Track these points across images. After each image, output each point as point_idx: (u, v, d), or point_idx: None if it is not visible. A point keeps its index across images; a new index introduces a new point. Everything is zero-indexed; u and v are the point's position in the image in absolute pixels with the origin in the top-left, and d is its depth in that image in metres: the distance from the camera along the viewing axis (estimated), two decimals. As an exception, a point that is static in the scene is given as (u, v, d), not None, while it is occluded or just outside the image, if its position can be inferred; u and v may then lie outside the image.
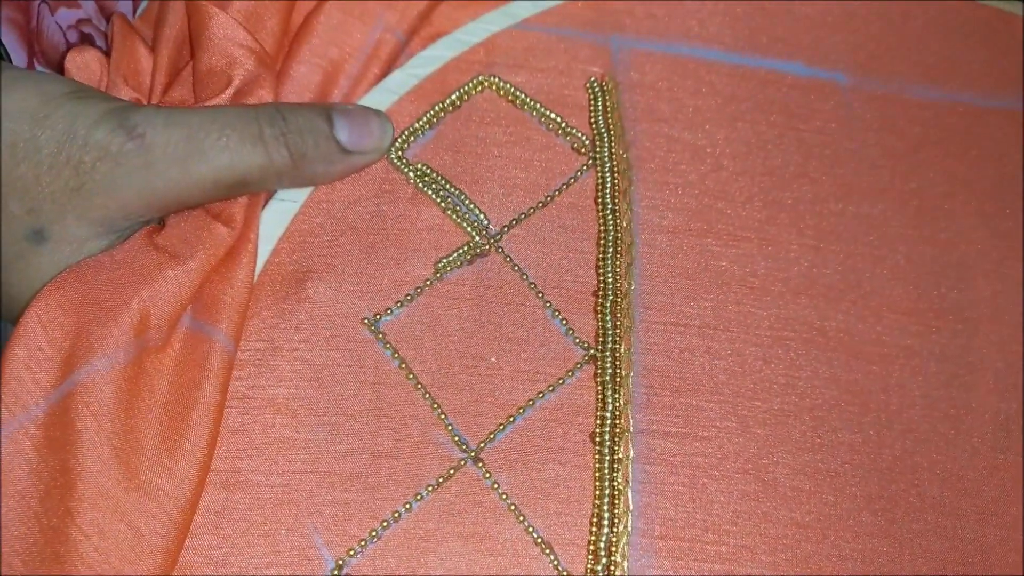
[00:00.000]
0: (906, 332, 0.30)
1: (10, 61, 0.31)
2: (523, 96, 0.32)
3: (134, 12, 0.34)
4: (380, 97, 0.31)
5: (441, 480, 0.26)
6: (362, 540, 0.26)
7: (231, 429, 0.26)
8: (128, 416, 0.25)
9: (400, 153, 0.30)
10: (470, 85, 0.32)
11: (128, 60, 0.30)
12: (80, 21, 0.33)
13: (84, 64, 0.29)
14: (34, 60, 0.32)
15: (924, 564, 0.27)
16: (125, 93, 0.29)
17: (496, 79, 0.32)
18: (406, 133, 0.31)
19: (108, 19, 0.33)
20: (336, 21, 0.31)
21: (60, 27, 0.33)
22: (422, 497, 0.26)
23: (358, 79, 0.31)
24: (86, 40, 0.33)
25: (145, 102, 0.30)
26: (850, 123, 0.33)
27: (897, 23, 0.35)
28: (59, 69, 0.31)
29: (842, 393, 0.29)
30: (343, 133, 0.28)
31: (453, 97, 0.31)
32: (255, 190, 0.28)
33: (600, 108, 0.32)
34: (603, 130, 0.31)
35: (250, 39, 0.29)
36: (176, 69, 0.31)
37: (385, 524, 0.26)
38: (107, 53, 0.31)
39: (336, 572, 0.25)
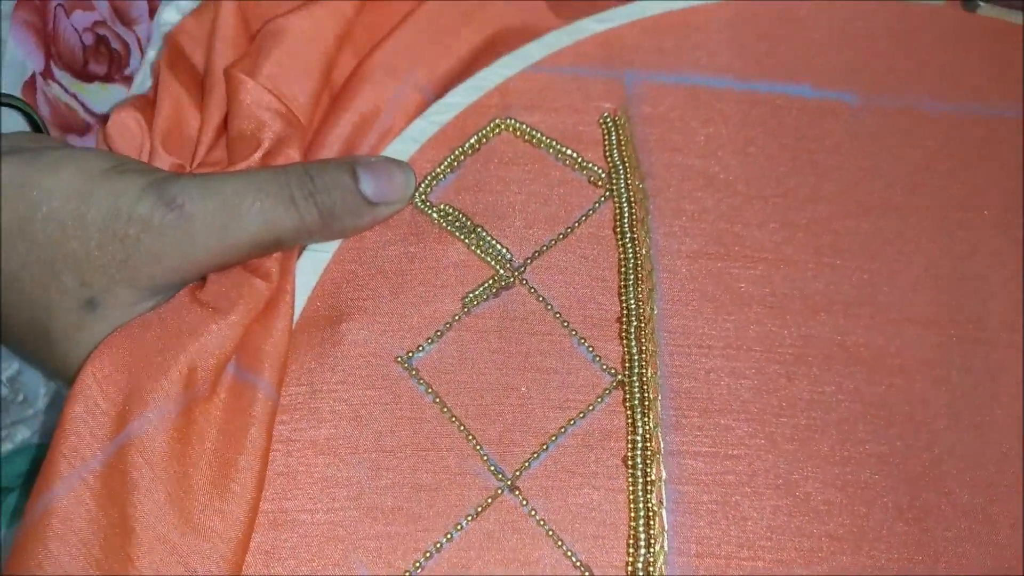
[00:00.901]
0: (927, 344, 0.30)
1: (45, 127, 0.33)
2: (539, 135, 0.33)
3: (150, 15, 0.35)
4: (403, 146, 0.33)
5: (480, 509, 0.27)
6: (407, 571, 0.26)
7: (276, 471, 0.28)
8: (180, 463, 0.26)
9: (424, 197, 0.32)
10: (488, 128, 0.33)
11: (169, 122, 0.31)
12: (96, 23, 0.34)
13: (123, 126, 0.31)
14: (51, 62, 0.33)
15: (960, 572, 0.27)
16: (165, 159, 0.31)
17: (512, 121, 0.33)
18: (429, 178, 0.32)
19: (123, 21, 0.34)
20: (372, 79, 0.32)
21: (76, 29, 0.34)
22: (462, 527, 0.27)
23: (385, 132, 0.33)
24: (101, 42, 0.34)
25: (187, 165, 0.31)
26: (861, 141, 0.34)
27: (902, 40, 0.35)
28: (75, 70, 0.33)
29: (867, 406, 0.29)
30: (368, 186, 0.30)
31: (472, 141, 0.33)
32: (289, 247, 0.29)
33: (614, 142, 0.33)
34: (618, 162, 0.33)
35: (276, 102, 0.30)
36: (221, 131, 0.32)
37: (428, 555, 0.27)
38: (128, 56, 0.33)
39: (383, 604, 0.26)
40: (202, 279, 0.29)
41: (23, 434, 0.35)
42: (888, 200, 0.33)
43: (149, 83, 0.35)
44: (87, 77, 0.35)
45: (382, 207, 0.30)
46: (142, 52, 0.35)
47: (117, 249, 0.27)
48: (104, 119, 0.34)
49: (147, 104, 0.32)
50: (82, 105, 0.35)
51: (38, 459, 0.35)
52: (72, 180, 0.27)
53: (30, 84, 0.33)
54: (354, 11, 0.33)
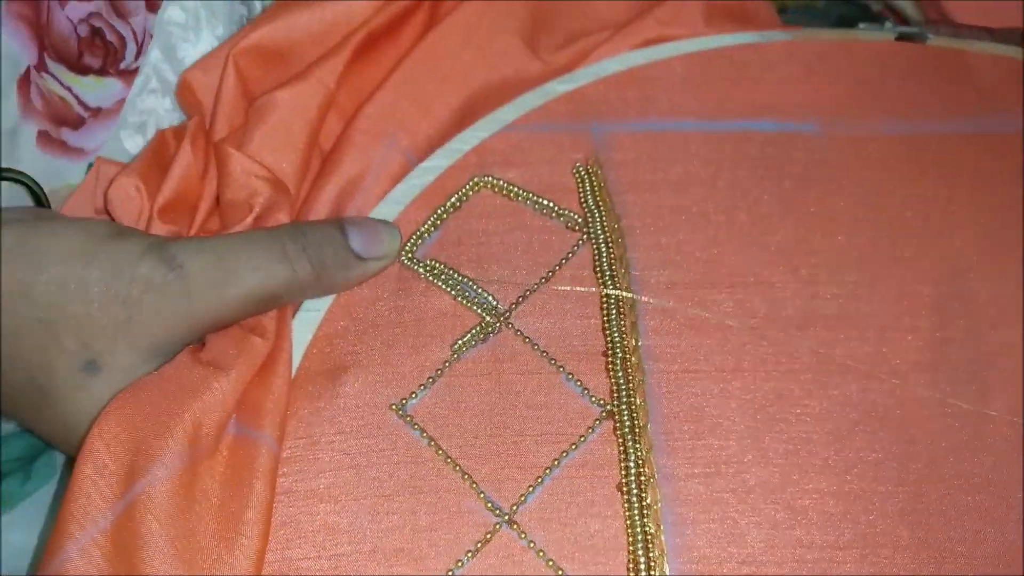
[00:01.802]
0: (912, 348, 0.31)
1: (47, 200, 0.34)
2: (516, 189, 0.34)
3: (148, 7, 0.35)
4: (388, 208, 0.34)
5: (480, 545, 0.28)
6: (411, 612, 0.27)
7: (279, 522, 0.28)
8: (187, 519, 0.27)
9: (411, 255, 0.33)
10: (468, 187, 0.35)
11: (175, 193, 0.33)
12: (91, 15, 0.34)
13: (124, 192, 0.32)
14: (44, 55, 0.33)
15: (969, 570, 0.27)
16: (161, 228, 0.33)
17: (490, 178, 0.35)
18: (414, 237, 0.33)
19: (119, 13, 0.34)
20: (356, 143, 0.34)
21: (71, 21, 0.34)
22: (463, 564, 0.27)
23: (370, 195, 0.35)
24: (96, 35, 0.34)
25: (183, 232, 0.33)
26: (826, 166, 0.35)
27: (858, 71, 0.37)
28: (69, 63, 0.33)
29: (859, 414, 0.30)
30: (357, 242, 0.31)
31: (453, 199, 0.34)
32: (284, 303, 0.31)
33: (588, 188, 0.34)
34: (593, 207, 0.34)
35: (264, 171, 0.32)
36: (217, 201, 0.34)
37: (431, 594, 0.27)
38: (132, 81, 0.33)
39: (390, 647, 0.26)
40: (201, 342, 0.31)
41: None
42: (858, 217, 0.34)
43: (152, 84, 0.36)
44: (82, 70, 0.35)
45: (371, 262, 0.31)
46: (138, 45, 0.35)
47: (119, 310, 0.28)
48: (97, 112, 0.34)
49: (146, 167, 0.34)
50: (76, 98, 0.35)
51: (36, 444, 0.35)
52: (74, 243, 0.29)
53: (24, 77, 0.33)
54: (336, 82, 0.35)
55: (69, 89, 0.35)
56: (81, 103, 0.35)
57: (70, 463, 0.29)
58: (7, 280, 0.28)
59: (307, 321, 0.32)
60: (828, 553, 0.27)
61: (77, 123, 0.35)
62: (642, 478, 0.28)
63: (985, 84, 0.37)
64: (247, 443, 0.29)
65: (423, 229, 0.34)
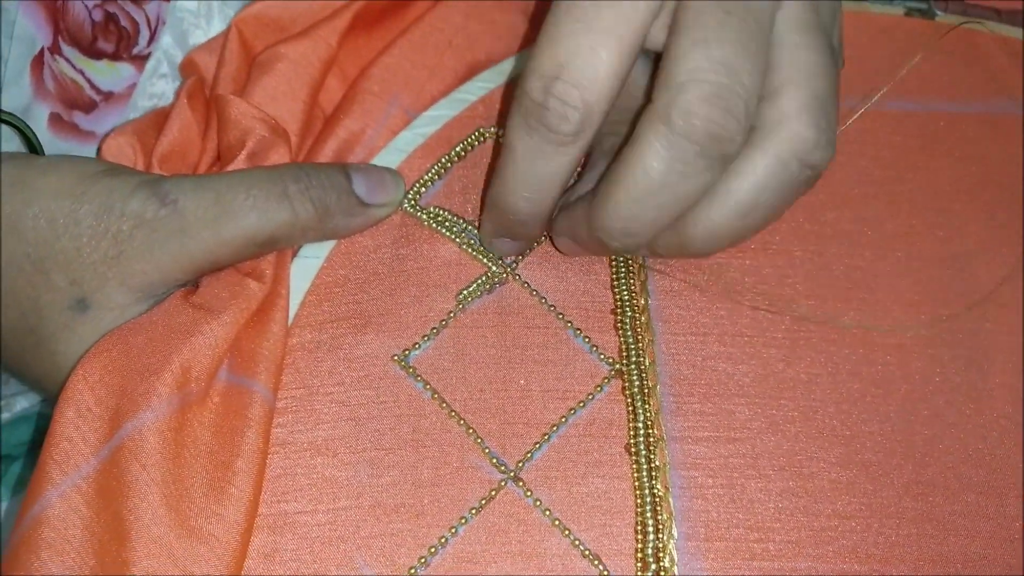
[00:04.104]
0: (916, 322, 0.31)
1: (40, 147, 0.33)
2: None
3: None
4: (390, 157, 0.33)
5: (484, 502, 0.27)
6: (412, 568, 0.26)
7: (275, 474, 0.27)
8: (175, 466, 0.26)
9: (414, 202, 0.32)
10: (473, 137, 0.33)
11: (172, 147, 0.31)
12: (106, 0, 0.34)
13: (119, 149, 0.31)
14: (59, 38, 0.33)
15: (971, 544, 0.27)
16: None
17: (495, 129, 0.33)
18: (417, 185, 0.32)
19: None
20: (360, 101, 0.33)
21: (85, 6, 0.34)
22: (467, 520, 0.26)
23: (372, 150, 0.33)
24: (111, 20, 0.34)
25: None
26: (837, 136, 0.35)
27: (867, 46, 0.37)
28: (83, 47, 0.33)
29: (865, 385, 0.29)
30: (361, 187, 0.30)
31: (458, 149, 0.33)
32: (283, 247, 0.29)
33: (598, 144, 0.33)
34: (601, 163, 0.33)
35: (262, 113, 0.31)
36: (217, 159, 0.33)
37: (433, 550, 0.26)
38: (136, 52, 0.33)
39: (389, 603, 0.25)
40: (195, 284, 0.29)
41: (22, 404, 0.35)
42: (865, 191, 0.33)
43: (163, 68, 0.35)
44: (95, 54, 0.35)
45: (374, 209, 0.30)
46: (151, 31, 0.35)
47: (109, 245, 0.27)
48: (108, 96, 0.35)
49: (144, 128, 0.32)
50: (88, 82, 0.35)
51: (41, 428, 0.35)
52: (65, 179, 0.27)
53: (38, 59, 0.33)
54: (338, 40, 0.33)
55: (82, 72, 0.35)
56: (93, 87, 0.35)
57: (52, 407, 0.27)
58: None
59: (306, 268, 0.30)
60: (834, 522, 0.27)
61: (89, 107, 0.35)
62: (651, 439, 0.28)
63: (992, 65, 0.37)
64: (240, 391, 0.27)
65: (427, 177, 0.32)
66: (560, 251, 0.30)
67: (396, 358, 0.29)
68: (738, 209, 0.25)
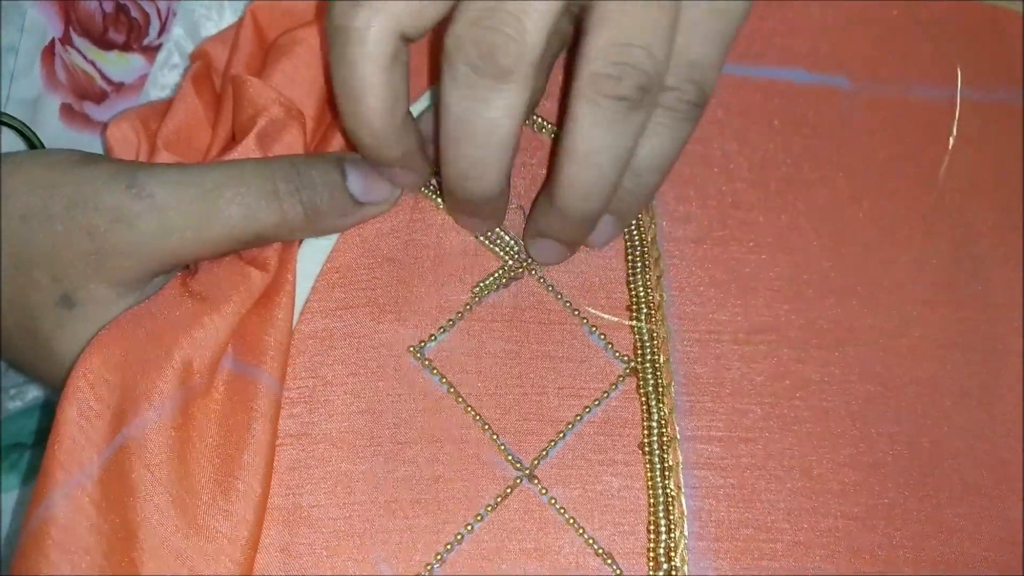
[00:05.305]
0: (930, 324, 0.31)
1: (41, 144, 0.32)
2: (540, 120, 0.33)
3: None
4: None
5: (499, 499, 0.27)
6: (428, 564, 0.26)
7: (288, 466, 0.27)
8: (181, 463, 0.25)
9: (428, 183, 0.31)
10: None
11: (177, 131, 0.30)
12: None
13: (121, 133, 0.30)
14: (70, 28, 0.33)
15: (974, 547, 0.28)
16: (167, 159, 0.30)
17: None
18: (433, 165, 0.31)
19: None
20: None
21: None
22: (482, 517, 0.27)
23: None
24: (121, 11, 0.34)
25: None
26: (855, 127, 0.34)
27: (895, 25, 0.36)
28: (94, 38, 0.33)
29: (876, 387, 0.30)
30: (356, 185, 0.29)
31: (474, 128, 0.32)
32: (270, 243, 0.29)
33: (615, 128, 0.33)
34: (620, 149, 0.32)
35: (279, 94, 0.30)
36: (229, 143, 0.31)
37: (449, 546, 0.26)
38: (144, 33, 0.33)
39: (405, 598, 0.26)
40: (193, 266, 0.28)
41: (33, 392, 0.35)
42: (885, 185, 0.33)
43: (174, 59, 0.35)
44: (106, 45, 0.35)
45: (368, 207, 0.29)
46: (162, 22, 0.35)
47: (85, 242, 0.26)
48: (119, 87, 0.34)
49: (148, 113, 0.31)
50: (99, 73, 0.35)
51: (45, 419, 0.35)
52: (32, 172, 0.26)
53: (49, 49, 0.33)
54: None
55: (93, 63, 0.35)
56: (104, 78, 0.35)
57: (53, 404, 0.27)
58: None
59: (316, 251, 0.30)
60: (842, 523, 0.28)
61: (100, 97, 0.35)
62: (664, 439, 0.28)
63: (1018, 51, 0.36)
64: (245, 380, 0.27)
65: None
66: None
67: (412, 350, 0.29)
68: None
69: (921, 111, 0.35)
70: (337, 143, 0.31)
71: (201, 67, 0.31)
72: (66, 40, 0.34)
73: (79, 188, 0.26)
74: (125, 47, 0.35)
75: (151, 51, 0.35)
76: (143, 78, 0.35)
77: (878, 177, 0.33)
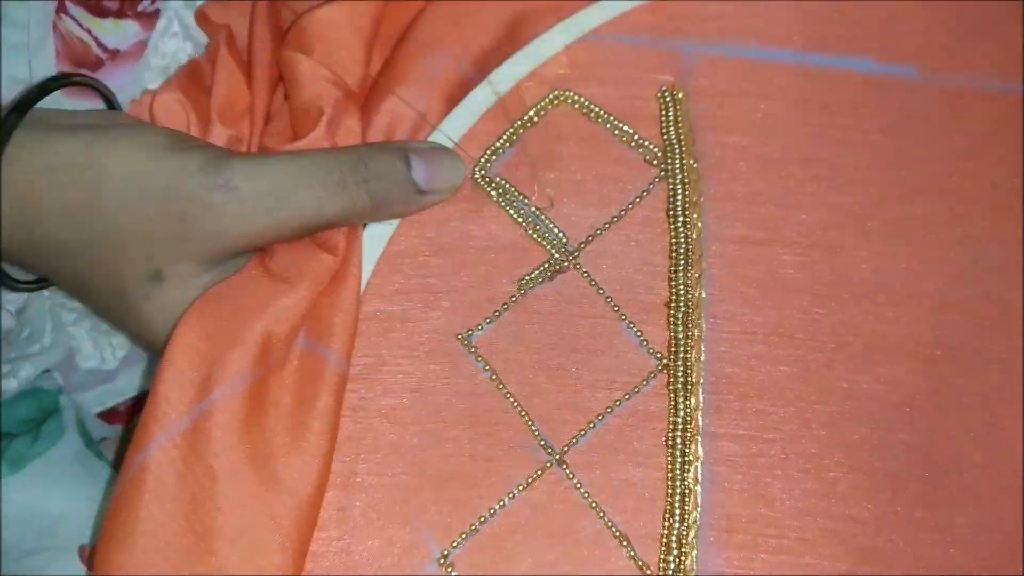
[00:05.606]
0: (968, 334, 0.31)
1: (116, 103, 0.34)
2: (597, 110, 0.33)
3: None
4: (460, 119, 0.33)
5: (530, 480, 0.30)
6: (463, 533, 0.29)
7: (346, 436, 0.30)
8: (258, 426, 0.29)
9: (484, 172, 0.33)
10: (547, 101, 0.34)
11: (225, 99, 0.33)
12: None
13: (167, 107, 0.33)
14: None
15: (972, 557, 0.29)
16: (222, 132, 0.32)
17: (571, 94, 0.34)
18: (489, 152, 0.33)
19: None
20: (409, 63, 0.33)
21: None
22: (514, 496, 0.30)
23: (427, 99, 0.34)
24: None
25: (244, 139, 0.33)
26: (919, 120, 0.34)
27: (970, 15, 0.35)
28: (89, 5, 0.34)
29: (902, 395, 0.31)
30: (419, 174, 0.31)
31: (531, 114, 0.33)
32: (339, 227, 0.31)
33: (671, 119, 0.33)
34: (674, 141, 0.33)
35: (333, 75, 0.32)
36: (271, 104, 0.34)
37: (482, 519, 0.30)
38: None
39: (441, 560, 0.29)
40: (269, 247, 0.31)
41: (27, 371, 0.36)
42: (940, 184, 0.33)
43: (174, 27, 0.36)
44: (100, 12, 0.35)
45: (430, 195, 0.31)
46: None
47: (176, 225, 0.29)
48: (115, 54, 0.35)
49: (185, 83, 0.33)
50: (95, 40, 0.35)
51: (43, 406, 0.36)
52: (132, 158, 0.29)
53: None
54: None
55: (88, 31, 0.35)
56: (100, 45, 0.35)
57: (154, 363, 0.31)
58: (77, 194, 0.29)
59: (376, 236, 0.32)
60: (849, 525, 0.30)
61: (96, 65, 0.35)
62: (687, 434, 0.30)
63: None
64: (315, 358, 0.30)
65: (499, 144, 0.33)
66: None
67: (460, 337, 0.31)
68: None
69: (987, 105, 0.34)
70: (376, 124, 0.33)
71: (229, 35, 0.33)
72: (62, 8, 0.34)
73: (172, 177, 0.29)
74: (120, 14, 0.35)
75: (145, 17, 0.36)
76: (137, 45, 0.36)
77: (935, 176, 0.33)
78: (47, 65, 0.35)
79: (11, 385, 0.36)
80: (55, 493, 0.35)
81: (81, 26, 0.35)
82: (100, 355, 0.38)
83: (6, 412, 0.36)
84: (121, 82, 0.35)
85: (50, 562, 0.34)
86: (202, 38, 0.36)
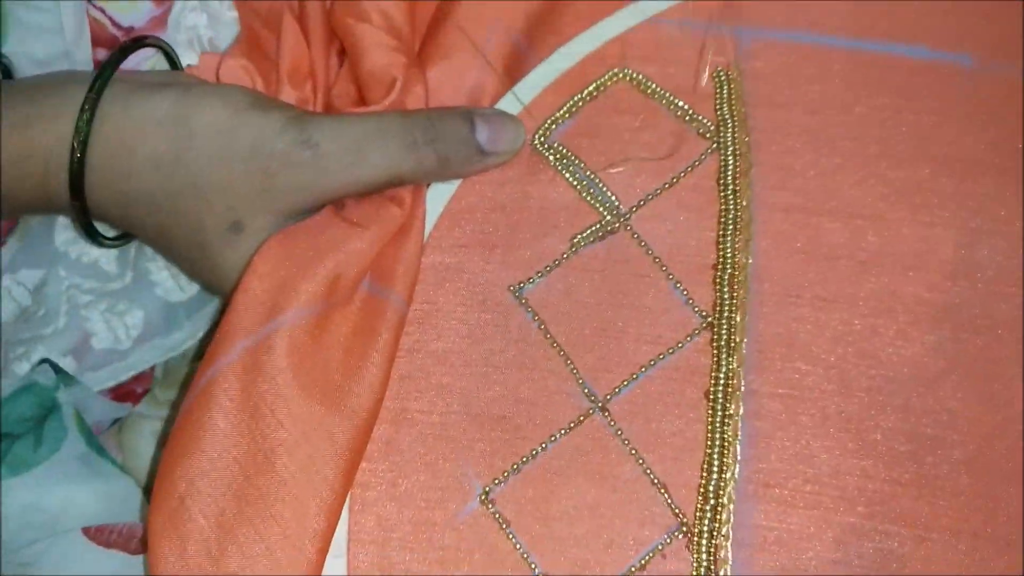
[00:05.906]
0: (1015, 305, 0.32)
1: (180, 64, 0.36)
2: (654, 86, 0.35)
3: None
4: (524, 91, 0.35)
5: (572, 425, 0.31)
6: (505, 472, 0.31)
7: (400, 375, 0.32)
8: (322, 353, 0.30)
9: (543, 139, 0.34)
10: (606, 77, 0.35)
11: (292, 63, 0.35)
12: None
13: (234, 75, 0.34)
14: None
15: (1014, 527, 0.29)
16: (291, 94, 0.34)
17: (630, 71, 0.35)
18: (548, 121, 0.35)
19: None
20: (457, 30, 0.35)
21: None
22: (556, 439, 0.31)
23: (480, 72, 0.35)
24: None
25: (309, 101, 0.35)
26: (971, 104, 0.34)
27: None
28: None
29: (949, 363, 0.31)
30: (483, 136, 0.33)
31: (591, 88, 0.35)
32: (408, 184, 0.33)
33: (725, 96, 0.35)
34: (727, 116, 0.34)
35: (397, 42, 0.34)
36: (331, 67, 0.36)
37: (524, 460, 0.31)
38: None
39: (483, 497, 0.30)
40: (341, 201, 0.33)
41: (39, 352, 0.36)
42: (991, 165, 0.33)
43: (193, 2, 0.37)
44: None
45: (492, 157, 0.33)
46: None
47: (259, 180, 0.31)
48: (129, 32, 0.36)
49: (246, 49, 0.36)
50: (110, 19, 0.36)
51: (42, 402, 0.35)
52: (219, 115, 0.31)
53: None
54: None
55: (102, 11, 0.36)
56: (115, 24, 0.36)
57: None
58: (166, 148, 0.31)
59: (439, 193, 0.34)
60: (889, 487, 0.30)
61: (111, 44, 0.37)
62: (729, 389, 0.31)
63: None
64: (378, 300, 0.32)
65: (559, 114, 0.35)
66: None
67: (512, 289, 0.33)
68: None
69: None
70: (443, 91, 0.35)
71: (291, 3, 0.36)
72: None
73: (257, 135, 0.31)
74: None
75: None
76: (152, 21, 0.37)
77: (984, 156, 0.34)
78: (85, 46, 0.36)
79: (23, 368, 0.36)
80: (57, 491, 0.34)
81: (95, 5, 0.36)
82: (114, 335, 0.37)
83: (5, 411, 0.35)
84: (136, 59, 0.36)
85: (50, 547, 0.34)
86: (216, 9, 0.37)
